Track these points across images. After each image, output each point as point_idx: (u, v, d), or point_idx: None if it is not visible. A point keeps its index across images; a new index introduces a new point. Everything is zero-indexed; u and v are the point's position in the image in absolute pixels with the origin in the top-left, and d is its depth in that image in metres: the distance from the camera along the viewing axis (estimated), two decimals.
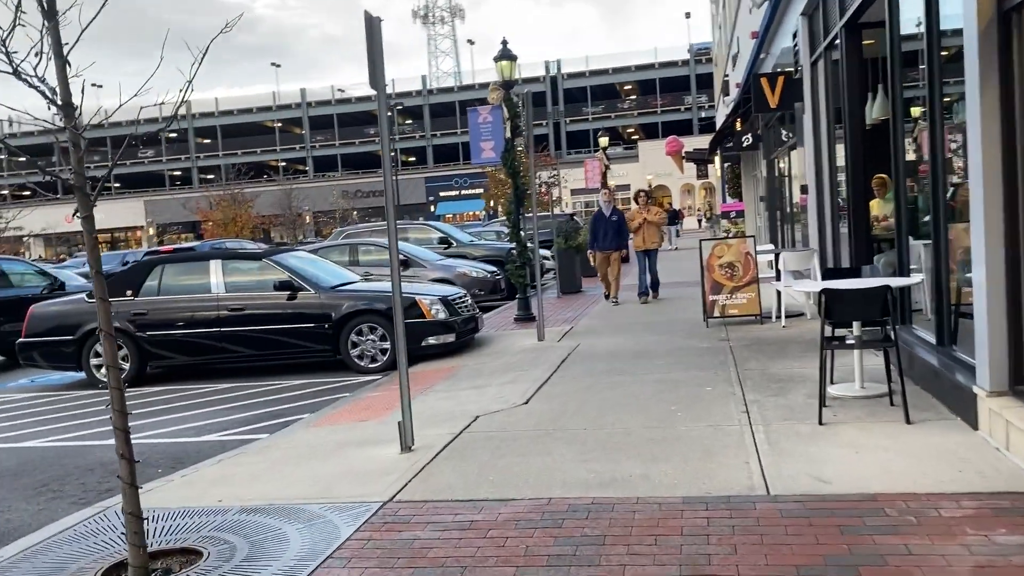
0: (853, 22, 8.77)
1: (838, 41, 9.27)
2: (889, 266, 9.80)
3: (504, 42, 12.04)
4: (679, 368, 7.79)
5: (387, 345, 9.77)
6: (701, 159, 41.07)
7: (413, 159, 76.46)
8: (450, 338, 10.02)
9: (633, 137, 73.19)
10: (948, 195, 5.94)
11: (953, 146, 5.88)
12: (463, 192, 68.51)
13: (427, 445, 5.64)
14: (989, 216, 4.62)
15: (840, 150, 10.18)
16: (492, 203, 47.88)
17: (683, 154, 41.85)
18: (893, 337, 5.49)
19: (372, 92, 5.56)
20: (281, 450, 6.11)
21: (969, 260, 5.84)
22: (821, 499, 4.06)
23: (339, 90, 77.24)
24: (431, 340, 9.92)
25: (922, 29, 6.18)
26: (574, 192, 60.23)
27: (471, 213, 64.50)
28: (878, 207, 10.27)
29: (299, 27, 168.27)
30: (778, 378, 6.96)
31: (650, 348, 9.14)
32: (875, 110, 9.92)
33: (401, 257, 15.67)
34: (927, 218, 6.78)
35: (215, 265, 10.27)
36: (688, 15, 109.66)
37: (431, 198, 69.35)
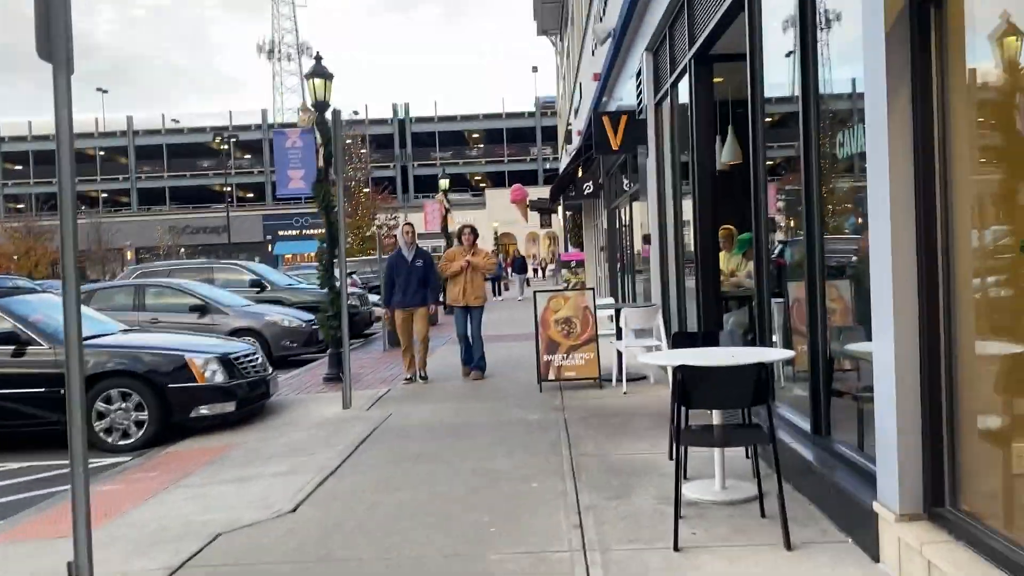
0: (703, 52, 7.81)
1: (686, 76, 8.31)
2: (740, 327, 8.84)
3: (318, 57, 10.38)
4: (503, 451, 6.29)
5: (144, 416, 7.71)
6: (545, 208, 40.84)
7: (251, 195, 72.64)
8: (229, 407, 8.07)
9: (481, 184, 72.99)
10: (819, 247, 4.83)
11: (835, 188, 4.80)
12: (304, 232, 65.29)
13: None
14: (899, 270, 3.43)
15: (688, 197, 9.23)
16: None
17: (527, 202, 41.44)
18: (769, 430, 4.21)
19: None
20: None
21: (851, 325, 4.73)
22: None
23: (173, 120, 72.70)
24: (203, 410, 7.93)
25: (794, 58, 5.13)
26: (421, 236, 58.67)
27: (310, 254, 61.54)
28: (725, 261, 9.35)
29: (142, 56, 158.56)
30: (620, 469, 5.58)
31: (473, 420, 7.62)
32: (725, 153, 9.04)
33: (197, 302, 13.49)
34: (797, 273, 5.70)
35: None
36: (535, 69, 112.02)
37: (269, 237, 65.81)
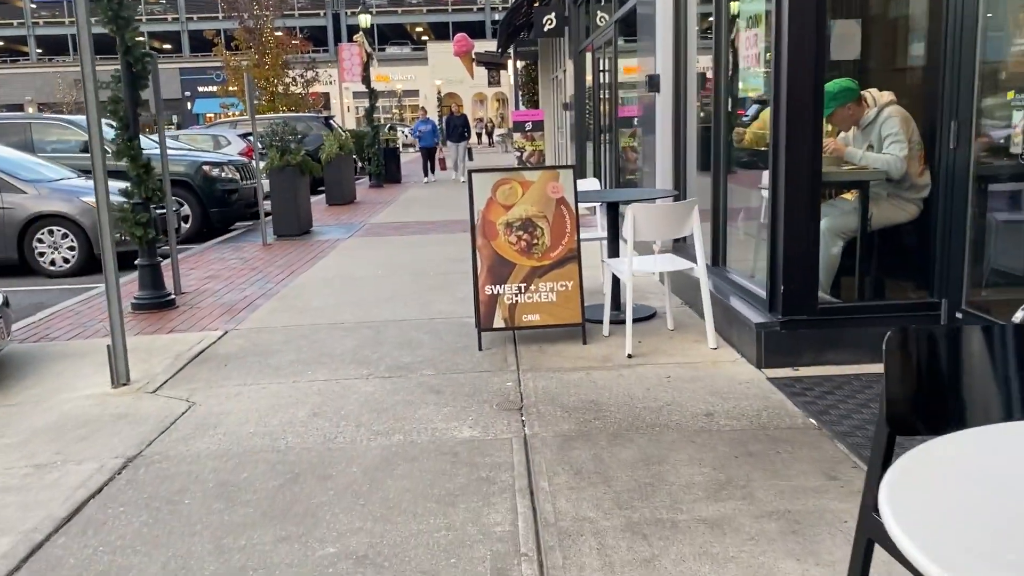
0: None
1: None
2: (840, 235, 5.09)
3: None
4: (382, 546, 2.50)
5: None
6: (493, 63, 35.87)
7: (169, 46, 65.16)
8: None
9: (422, 38, 66.48)
10: None
11: None
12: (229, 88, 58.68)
13: None
14: None
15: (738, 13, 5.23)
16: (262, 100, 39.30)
17: (473, 56, 36.27)
18: None
19: None
20: None
21: None
22: None
23: None
24: None
25: None
26: (356, 95, 52.68)
27: (235, 112, 55.31)
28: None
29: None
30: None
31: (339, 435, 3.79)
32: None
33: None
34: None
35: None
36: None
37: (187, 93, 59.22)
